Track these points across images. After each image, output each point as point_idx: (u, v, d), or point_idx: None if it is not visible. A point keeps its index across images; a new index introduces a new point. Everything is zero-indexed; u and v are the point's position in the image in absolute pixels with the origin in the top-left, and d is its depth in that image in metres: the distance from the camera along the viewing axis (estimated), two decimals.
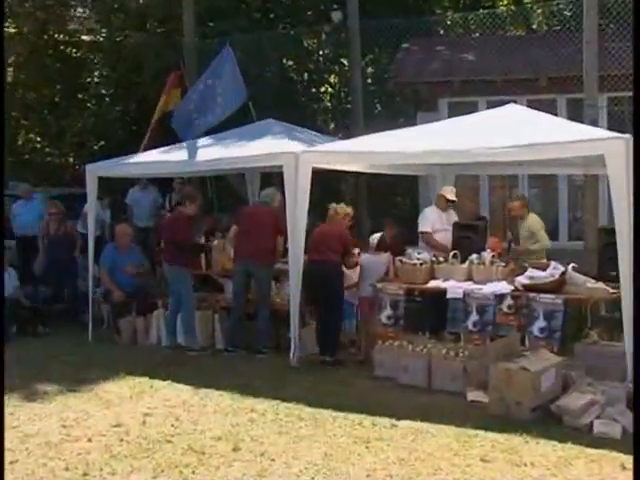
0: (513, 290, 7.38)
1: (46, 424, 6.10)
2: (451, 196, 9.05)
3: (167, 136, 11.96)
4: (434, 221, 9.03)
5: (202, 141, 10.06)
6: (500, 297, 7.39)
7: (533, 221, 9.05)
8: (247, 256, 8.38)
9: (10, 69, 17.04)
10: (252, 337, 8.44)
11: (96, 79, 17.69)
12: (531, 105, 9.04)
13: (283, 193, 8.19)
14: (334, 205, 8.43)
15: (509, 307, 7.36)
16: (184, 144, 10.04)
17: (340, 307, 8.17)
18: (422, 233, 9.05)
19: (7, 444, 5.37)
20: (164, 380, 7.36)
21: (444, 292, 7.74)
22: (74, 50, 18.09)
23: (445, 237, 8.82)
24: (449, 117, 11.01)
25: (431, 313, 8.46)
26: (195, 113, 11.87)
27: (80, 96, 18.08)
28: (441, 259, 8.13)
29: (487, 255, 7.88)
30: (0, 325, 8.36)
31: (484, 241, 8.61)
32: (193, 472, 5.07)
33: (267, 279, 8.52)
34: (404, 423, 5.92)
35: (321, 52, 17.40)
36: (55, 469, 5.15)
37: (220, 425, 5.99)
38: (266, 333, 8.42)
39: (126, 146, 12.66)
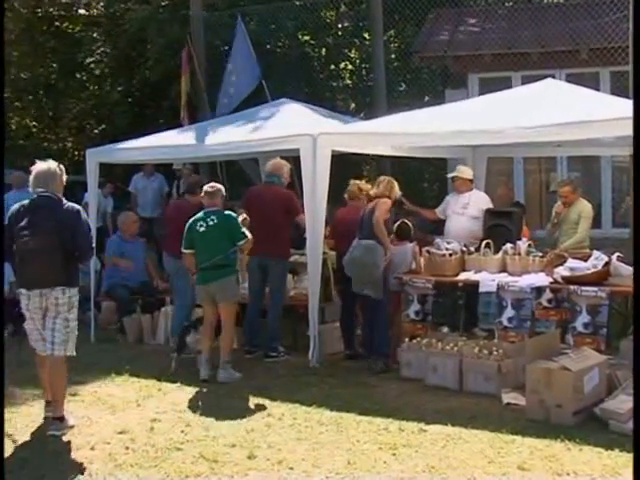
0: (552, 282, 7.35)
1: (45, 432, 6.10)
2: (451, 174, 9.08)
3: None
4: (446, 205, 9.20)
5: (211, 123, 10.07)
6: (538, 290, 7.36)
7: (584, 207, 8.99)
8: (260, 250, 8.17)
9: None
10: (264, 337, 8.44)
11: (96, 57, 17.70)
12: (571, 80, 8.98)
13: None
14: (356, 182, 8.44)
15: (549, 301, 7.33)
16: (192, 127, 10.06)
17: None
18: None
19: None
20: (173, 383, 7.38)
21: (476, 285, 7.73)
22: (70, 26, 18.14)
23: (458, 223, 8.89)
24: (480, 94, 10.97)
25: (462, 308, 8.45)
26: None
27: (78, 76, 18.12)
28: (472, 249, 8.12)
29: (523, 244, 7.85)
30: (0, 325, 8.42)
31: (520, 229, 8.58)
32: None
33: (282, 274, 8.47)
34: (434, 428, 5.90)
35: (340, 25, 17.36)
36: None
37: (234, 431, 6.00)
38: (275, 335, 8.31)
39: (129, 129, 12.70)
